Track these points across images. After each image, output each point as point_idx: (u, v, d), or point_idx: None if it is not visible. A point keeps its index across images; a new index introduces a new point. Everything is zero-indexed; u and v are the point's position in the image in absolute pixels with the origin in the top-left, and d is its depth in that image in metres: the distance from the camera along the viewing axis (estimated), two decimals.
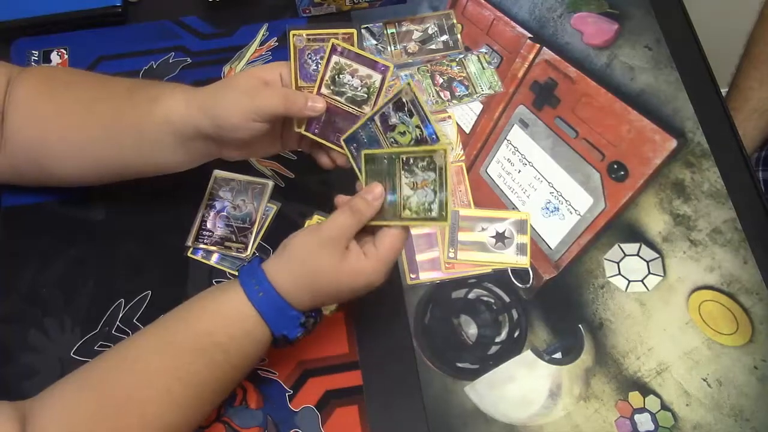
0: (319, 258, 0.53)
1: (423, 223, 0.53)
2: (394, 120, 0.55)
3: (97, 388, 0.52)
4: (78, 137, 0.62)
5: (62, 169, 0.64)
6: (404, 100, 0.55)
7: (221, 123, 0.56)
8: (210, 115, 0.56)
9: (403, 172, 0.54)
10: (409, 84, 0.54)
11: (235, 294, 0.54)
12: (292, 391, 0.62)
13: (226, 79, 0.59)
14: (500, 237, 0.68)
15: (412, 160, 0.53)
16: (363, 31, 0.80)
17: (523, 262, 0.67)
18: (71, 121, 0.62)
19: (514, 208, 0.70)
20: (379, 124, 0.56)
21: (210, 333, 0.54)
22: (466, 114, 0.76)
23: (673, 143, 0.72)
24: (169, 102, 0.58)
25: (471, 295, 0.66)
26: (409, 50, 0.79)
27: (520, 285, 0.67)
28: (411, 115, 0.55)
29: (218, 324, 0.54)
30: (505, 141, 0.74)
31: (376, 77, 0.58)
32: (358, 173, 0.57)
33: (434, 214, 0.52)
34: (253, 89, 0.56)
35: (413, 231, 0.68)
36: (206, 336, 0.54)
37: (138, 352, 0.54)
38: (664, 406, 0.61)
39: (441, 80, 0.77)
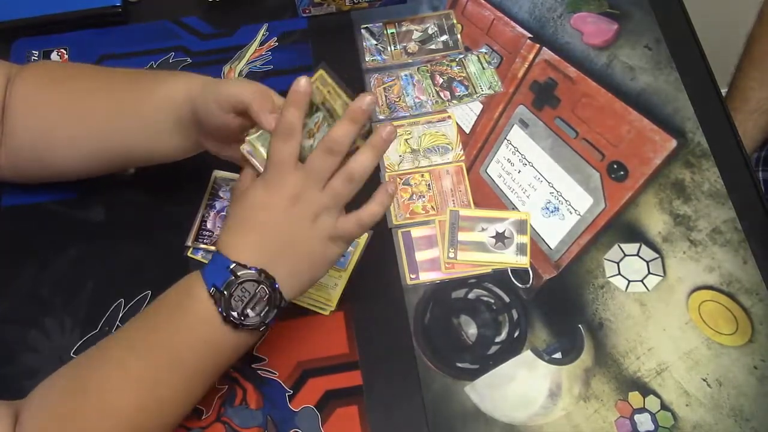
0: (236, 200, 0.55)
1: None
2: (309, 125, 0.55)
3: (69, 374, 0.53)
4: (79, 127, 0.62)
5: (63, 162, 0.64)
6: (315, 103, 0.54)
7: (202, 106, 0.57)
8: (204, 102, 0.57)
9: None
10: (318, 89, 0.54)
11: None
12: (292, 391, 0.62)
13: (215, 79, 0.60)
14: (500, 237, 0.68)
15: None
16: (363, 31, 0.80)
17: (523, 262, 0.67)
18: (72, 111, 0.62)
19: (514, 208, 0.70)
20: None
21: (159, 299, 0.55)
22: (466, 114, 0.76)
23: (673, 143, 0.72)
24: (171, 87, 0.60)
25: (471, 295, 0.66)
26: (409, 50, 0.79)
27: (520, 285, 0.67)
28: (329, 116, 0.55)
29: (169, 291, 0.55)
30: (505, 141, 0.74)
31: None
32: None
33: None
34: (237, 81, 0.59)
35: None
36: (156, 302, 0.55)
37: (103, 341, 0.55)
38: (664, 406, 0.61)
39: (441, 80, 0.77)
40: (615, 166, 0.71)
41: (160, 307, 0.55)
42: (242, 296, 0.52)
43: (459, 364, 0.63)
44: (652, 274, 0.67)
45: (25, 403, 0.52)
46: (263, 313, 0.53)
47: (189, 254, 0.68)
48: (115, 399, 0.51)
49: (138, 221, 0.70)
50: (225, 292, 0.51)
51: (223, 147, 0.62)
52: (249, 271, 0.52)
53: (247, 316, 0.52)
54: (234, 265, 0.52)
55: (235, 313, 0.52)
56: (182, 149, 0.63)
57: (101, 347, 0.55)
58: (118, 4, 0.80)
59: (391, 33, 0.80)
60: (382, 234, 0.69)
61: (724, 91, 0.95)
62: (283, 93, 0.54)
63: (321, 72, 0.56)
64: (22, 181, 0.69)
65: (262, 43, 0.80)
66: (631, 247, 0.68)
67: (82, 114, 0.62)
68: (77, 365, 0.54)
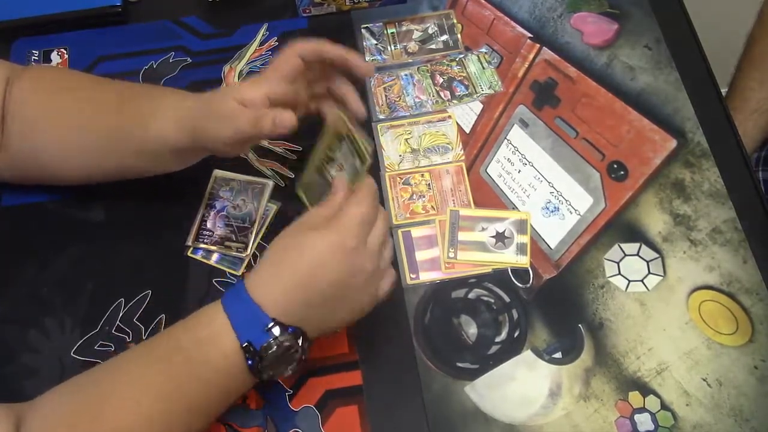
0: (286, 246, 0.53)
1: (353, 179, 0.56)
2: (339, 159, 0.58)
3: (77, 399, 0.52)
4: (79, 141, 0.62)
5: (63, 169, 0.65)
6: (343, 135, 0.58)
7: (207, 146, 0.60)
8: (198, 140, 0.59)
9: (327, 168, 0.59)
10: (341, 118, 0.57)
11: (212, 304, 0.53)
12: (292, 391, 0.62)
13: (209, 100, 0.59)
14: (500, 237, 0.68)
15: (328, 156, 0.58)
16: (363, 30, 0.80)
17: (523, 261, 0.67)
18: (72, 123, 0.62)
19: (514, 207, 0.70)
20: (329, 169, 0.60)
21: (177, 338, 0.52)
22: (466, 114, 0.76)
23: (673, 143, 0.72)
24: (161, 123, 0.59)
25: (471, 295, 0.66)
26: (409, 50, 0.79)
27: (520, 285, 0.67)
28: (352, 149, 0.57)
29: (186, 330, 0.53)
30: (505, 141, 0.74)
31: None
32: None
33: (357, 166, 0.55)
34: (231, 115, 0.57)
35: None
36: (173, 341, 0.52)
37: (120, 360, 0.53)
38: (664, 406, 0.61)
39: (441, 80, 0.77)
40: (615, 166, 0.71)
41: (181, 350, 0.52)
42: (276, 353, 0.51)
43: (459, 364, 0.63)
44: (652, 273, 0.67)
45: (31, 411, 0.51)
46: (288, 369, 0.52)
47: (189, 254, 0.68)
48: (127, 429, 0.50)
49: (138, 221, 0.70)
50: (260, 354, 0.50)
51: (239, 148, 0.63)
52: (287, 335, 0.51)
53: (274, 369, 0.52)
54: (273, 325, 0.50)
55: (264, 367, 0.51)
56: (179, 166, 0.64)
57: (114, 374, 0.53)
58: (118, 4, 0.80)
59: (391, 33, 0.80)
60: None
61: (724, 91, 0.95)
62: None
63: (339, 113, 0.59)
64: (24, 182, 0.69)
65: (262, 43, 0.80)
66: (631, 247, 0.68)
67: (78, 132, 0.62)
68: (93, 383, 0.53)
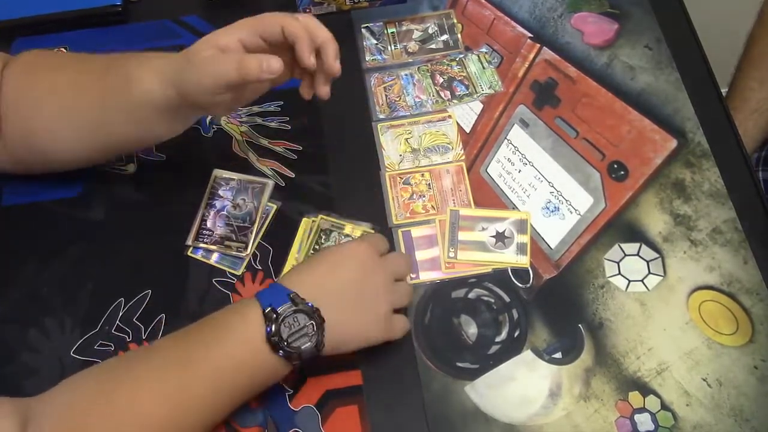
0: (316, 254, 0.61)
1: None
2: None
3: (95, 389, 0.53)
4: (70, 115, 0.63)
5: (56, 151, 0.64)
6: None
7: (193, 100, 0.57)
8: (182, 93, 0.57)
9: None
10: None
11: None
12: (292, 391, 0.62)
13: (188, 51, 0.57)
14: (500, 237, 0.68)
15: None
16: (363, 30, 0.80)
17: (523, 261, 0.67)
18: (63, 100, 0.62)
19: (515, 207, 0.70)
20: None
21: (210, 317, 0.57)
22: (467, 113, 0.75)
23: (673, 143, 0.72)
24: (145, 82, 0.58)
25: (471, 295, 0.66)
26: (409, 50, 0.79)
27: (520, 285, 0.67)
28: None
29: (217, 314, 0.57)
30: (506, 140, 0.74)
31: None
32: None
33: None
34: (210, 60, 0.55)
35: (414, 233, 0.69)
36: (203, 321, 0.56)
37: (140, 349, 0.57)
38: (664, 406, 0.61)
39: (441, 80, 0.77)
40: (615, 166, 0.71)
41: (205, 326, 0.56)
42: (292, 324, 0.54)
43: (459, 364, 0.63)
44: (652, 273, 0.67)
45: (41, 403, 0.51)
46: (303, 346, 0.54)
47: (189, 253, 0.68)
48: (144, 412, 0.52)
49: (138, 220, 0.70)
50: (279, 314, 0.54)
51: (222, 109, 0.63)
52: (305, 306, 0.54)
53: (288, 343, 0.54)
54: (293, 293, 0.55)
55: (280, 336, 0.53)
56: (174, 130, 0.63)
57: (134, 358, 0.56)
58: (118, 3, 0.80)
59: (392, 32, 0.80)
60: (382, 233, 0.69)
61: (724, 91, 0.95)
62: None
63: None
64: (25, 173, 0.69)
65: None
66: (631, 247, 0.68)
67: (68, 106, 0.62)
68: (107, 371, 0.54)
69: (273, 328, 0.53)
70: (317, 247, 0.68)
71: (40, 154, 0.65)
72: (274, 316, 0.53)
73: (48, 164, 0.67)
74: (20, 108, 0.63)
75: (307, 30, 0.57)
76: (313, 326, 0.54)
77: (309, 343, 0.54)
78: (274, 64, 0.54)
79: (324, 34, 0.58)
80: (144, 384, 0.52)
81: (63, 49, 0.78)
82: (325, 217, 0.69)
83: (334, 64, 0.58)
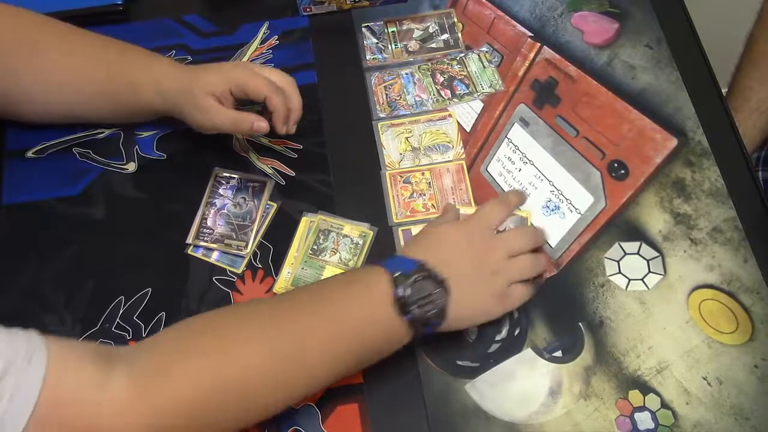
0: (423, 233, 0.63)
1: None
2: None
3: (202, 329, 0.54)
4: (60, 96, 0.68)
5: (29, 110, 0.69)
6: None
7: (191, 126, 0.68)
8: (181, 117, 0.67)
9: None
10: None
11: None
12: None
13: (190, 85, 0.65)
14: None
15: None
16: (364, 29, 0.81)
17: None
18: (60, 77, 0.67)
19: None
20: None
21: (332, 279, 0.60)
22: (467, 113, 0.76)
23: (673, 142, 0.72)
24: (149, 94, 0.67)
25: None
26: (409, 49, 0.79)
27: None
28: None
29: (341, 277, 0.60)
30: (506, 139, 0.74)
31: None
32: None
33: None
34: (209, 109, 0.65)
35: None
36: (326, 281, 0.60)
37: (253, 304, 0.59)
38: (664, 405, 0.61)
39: (442, 79, 0.77)
40: (616, 165, 0.71)
41: (333, 282, 0.58)
42: (420, 290, 0.55)
43: (459, 362, 0.63)
44: (652, 272, 0.67)
45: (132, 348, 0.53)
46: (429, 312, 0.55)
47: (189, 252, 0.68)
48: (252, 352, 0.52)
49: (138, 219, 0.70)
50: (409, 276, 0.55)
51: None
52: (434, 274, 0.56)
53: (416, 307, 0.55)
54: (421, 261, 0.57)
55: (409, 298, 0.55)
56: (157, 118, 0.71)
57: (248, 311, 0.56)
58: (120, 3, 0.80)
59: (392, 31, 0.81)
60: (382, 232, 0.69)
61: (724, 90, 0.95)
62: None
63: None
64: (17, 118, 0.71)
65: (263, 42, 0.80)
66: (631, 246, 0.68)
67: (69, 86, 0.67)
68: (218, 318, 0.55)
69: (402, 291, 0.55)
70: (315, 247, 0.68)
71: (12, 109, 0.69)
72: (404, 279, 0.55)
73: (7, 114, 0.70)
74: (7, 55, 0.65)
75: (285, 99, 0.66)
76: (441, 293, 0.56)
77: (435, 310, 0.55)
78: (263, 127, 0.65)
79: (296, 104, 0.67)
80: (260, 327, 0.53)
81: None
82: (324, 217, 0.69)
83: (291, 129, 0.68)
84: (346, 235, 0.68)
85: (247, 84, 0.65)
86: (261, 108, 0.68)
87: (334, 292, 0.57)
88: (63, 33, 0.68)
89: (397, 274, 0.55)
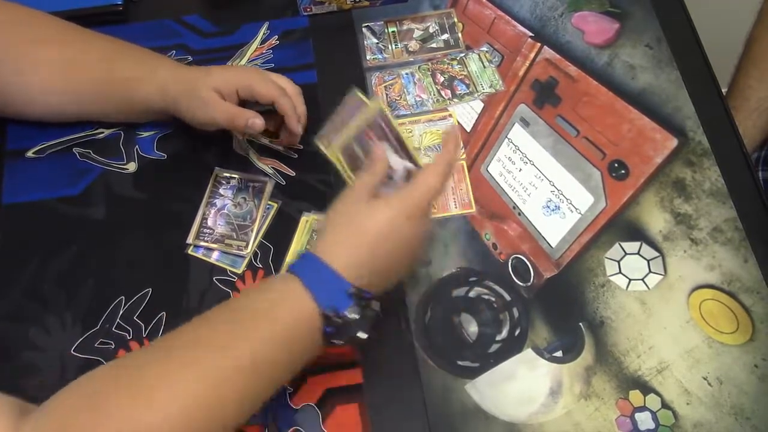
0: (346, 210, 0.54)
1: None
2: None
3: (119, 371, 0.49)
4: (58, 95, 0.68)
5: (32, 111, 0.70)
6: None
7: (187, 120, 0.68)
8: (177, 113, 0.67)
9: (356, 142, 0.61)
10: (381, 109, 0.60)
11: (284, 274, 0.54)
12: (292, 389, 0.62)
13: (194, 83, 0.65)
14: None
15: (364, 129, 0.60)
16: (364, 29, 0.81)
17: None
18: (55, 79, 0.67)
19: (515, 206, 0.70)
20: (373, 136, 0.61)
21: (252, 299, 0.52)
22: (467, 113, 0.76)
23: (673, 142, 0.72)
24: (148, 90, 0.67)
25: (472, 294, 0.66)
26: (410, 49, 0.79)
27: (520, 283, 0.67)
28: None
29: (260, 290, 0.54)
30: (506, 139, 0.74)
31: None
32: (348, 175, 0.61)
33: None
34: (210, 101, 0.65)
35: None
36: (245, 300, 0.53)
37: (175, 331, 0.51)
38: (665, 405, 0.61)
39: (442, 79, 0.77)
40: (616, 165, 0.71)
41: (252, 310, 0.51)
42: (350, 323, 0.51)
43: (460, 363, 0.63)
44: (652, 272, 0.67)
45: (40, 408, 0.47)
46: (359, 334, 0.52)
47: (189, 252, 0.68)
48: (172, 395, 0.46)
49: (139, 219, 0.70)
50: (343, 318, 0.51)
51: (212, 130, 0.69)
52: (371, 307, 0.52)
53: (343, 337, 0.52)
54: (354, 289, 0.51)
55: (337, 335, 0.51)
56: (157, 119, 0.72)
57: (171, 339, 0.50)
58: (120, 3, 0.80)
59: (392, 31, 0.81)
60: None
61: (724, 90, 0.95)
62: None
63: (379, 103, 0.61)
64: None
65: (263, 42, 0.80)
66: (631, 246, 0.68)
67: (65, 84, 0.67)
68: (132, 363, 0.50)
69: (332, 331, 0.51)
70: (309, 247, 0.68)
71: (11, 109, 0.69)
72: (336, 318, 0.50)
73: (7, 113, 0.70)
74: (7, 66, 0.65)
75: (294, 105, 0.67)
76: (376, 315, 0.53)
77: (363, 334, 0.52)
78: (257, 124, 0.65)
79: (302, 112, 0.69)
80: (173, 368, 0.48)
81: None
82: (316, 217, 0.69)
83: (299, 132, 0.69)
84: None
85: (257, 86, 0.65)
86: (262, 110, 0.67)
87: (256, 322, 0.50)
88: (62, 30, 0.69)
89: (328, 312, 0.50)
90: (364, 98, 0.61)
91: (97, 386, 0.48)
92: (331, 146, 0.60)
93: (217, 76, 0.65)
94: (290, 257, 0.67)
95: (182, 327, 0.51)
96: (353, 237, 0.53)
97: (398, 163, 0.59)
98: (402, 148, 0.60)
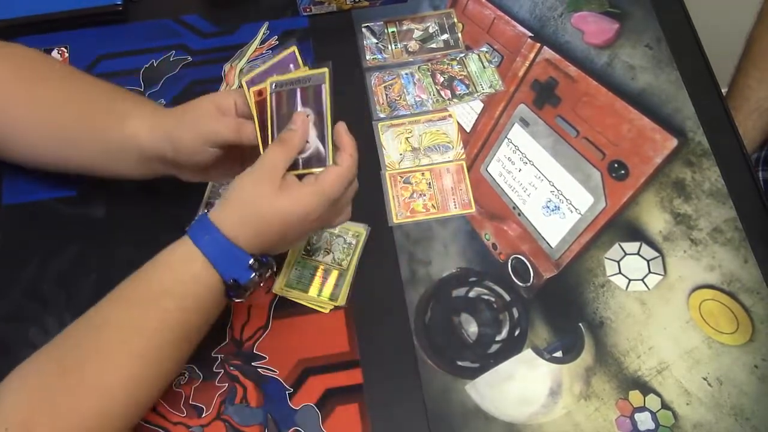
0: (257, 192, 0.54)
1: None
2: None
3: (55, 355, 0.53)
4: (42, 133, 0.63)
5: (18, 154, 0.65)
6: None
7: (180, 147, 0.59)
8: (171, 139, 0.59)
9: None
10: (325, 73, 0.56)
11: (183, 243, 0.55)
12: (292, 390, 0.62)
13: (187, 104, 0.60)
14: None
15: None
16: (364, 29, 0.81)
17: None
18: (39, 117, 0.63)
19: (515, 206, 0.70)
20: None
21: (160, 281, 0.55)
22: (467, 113, 0.76)
23: (673, 142, 0.72)
24: (137, 123, 0.60)
25: (471, 294, 0.66)
26: (409, 49, 0.79)
27: (520, 284, 0.67)
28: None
29: (168, 272, 0.55)
30: (506, 140, 0.74)
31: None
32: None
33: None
34: (209, 115, 0.58)
35: None
36: (156, 285, 0.55)
37: (96, 313, 0.55)
38: (665, 405, 0.61)
39: (442, 79, 0.77)
40: (616, 165, 0.71)
41: (166, 292, 0.55)
42: (255, 282, 0.56)
43: (459, 363, 0.63)
44: (652, 273, 0.67)
45: (3, 383, 0.51)
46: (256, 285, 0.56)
47: None
48: (114, 376, 0.52)
49: (138, 220, 0.70)
50: (244, 287, 0.55)
51: (197, 174, 0.63)
52: (263, 266, 0.55)
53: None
54: (253, 261, 0.54)
55: (238, 295, 0.56)
56: (140, 175, 0.64)
57: (93, 325, 0.54)
58: (119, 3, 0.80)
59: (392, 32, 0.80)
60: (382, 232, 0.69)
61: (724, 90, 0.95)
62: None
63: (326, 71, 0.57)
64: None
65: (262, 42, 0.80)
66: (631, 246, 0.68)
67: (48, 123, 0.63)
68: (65, 344, 0.53)
69: (235, 294, 0.56)
70: (309, 247, 0.67)
71: (7, 153, 0.65)
72: (238, 287, 0.55)
73: (7, 158, 0.67)
74: None
75: None
76: (267, 267, 0.56)
77: (261, 283, 0.56)
78: None
79: None
80: (115, 346, 0.53)
81: (63, 48, 0.78)
82: None
83: None
84: (338, 235, 0.68)
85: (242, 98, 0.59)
86: None
87: (169, 299, 0.55)
88: (51, 70, 0.66)
89: (231, 281, 0.54)
90: (299, 60, 0.58)
91: (39, 383, 0.51)
92: (242, 75, 0.57)
93: (213, 96, 0.60)
94: (289, 257, 0.67)
95: (100, 307, 0.55)
96: (257, 224, 0.54)
97: (313, 141, 0.56)
98: (322, 130, 0.56)
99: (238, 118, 0.59)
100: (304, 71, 0.57)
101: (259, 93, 0.57)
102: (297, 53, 0.58)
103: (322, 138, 0.56)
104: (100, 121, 0.62)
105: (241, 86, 0.59)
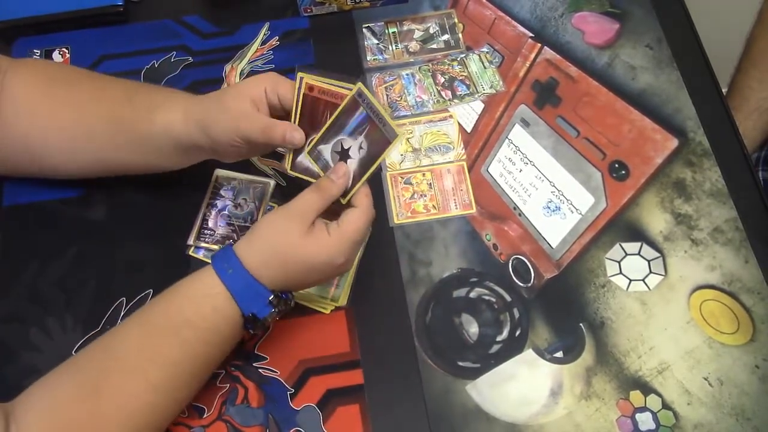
0: (285, 234, 0.55)
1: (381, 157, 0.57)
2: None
3: (77, 378, 0.53)
4: (74, 137, 0.63)
5: (56, 163, 0.65)
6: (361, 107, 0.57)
7: (214, 141, 0.59)
8: (205, 132, 0.58)
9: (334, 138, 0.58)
10: (360, 89, 0.57)
11: (206, 274, 0.56)
12: (293, 390, 0.62)
13: (219, 95, 0.59)
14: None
15: (339, 123, 0.58)
16: (364, 30, 0.81)
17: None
18: (67, 120, 0.62)
19: (516, 207, 0.70)
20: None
21: (180, 311, 0.55)
22: (468, 113, 0.76)
23: (674, 142, 0.72)
24: (169, 114, 0.60)
25: (472, 294, 0.66)
26: (410, 49, 0.79)
27: (521, 284, 0.67)
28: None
29: (189, 303, 0.55)
30: (507, 140, 0.74)
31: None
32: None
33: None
34: (240, 114, 0.57)
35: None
36: (177, 315, 0.55)
37: (115, 338, 0.55)
38: (665, 405, 0.61)
39: (442, 79, 0.77)
40: (616, 165, 0.71)
41: (187, 323, 0.55)
42: (273, 318, 0.57)
43: (460, 363, 0.63)
44: (653, 273, 0.67)
45: (20, 404, 0.51)
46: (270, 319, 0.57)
47: (190, 253, 0.68)
48: (132, 404, 0.53)
49: (139, 220, 0.70)
50: (261, 320, 0.56)
51: (238, 157, 0.64)
52: (282, 303, 0.57)
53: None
54: (273, 298, 0.56)
55: (257, 329, 0.57)
56: (179, 164, 0.64)
57: (113, 350, 0.55)
58: (120, 3, 0.80)
59: (393, 32, 0.81)
60: (383, 233, 0.69)
61: (724, 90, 0.95)
62: None
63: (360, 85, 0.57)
64: (16, 175, 0.69)
65: (263, 42, 0.80)
66: (632, 246, 0.68)
67: (77, 125, 0.62)
68: (85, 367, 0.54)
69: (253, 327, 0.56)
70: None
71: (37, 165, 0.65)
72: (256, 322, 0.56)
73: (47, 175, 0.67)
74: (22, 114, 0.62)
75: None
76: (285, 303, 0.57)
77: (277, 310, 0.57)
78: (296, 137, 0.58)
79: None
80: (128, 378, 0.53)
81: (65, 49, 0.79)
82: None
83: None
84: None
85: (281, 84, 0.59)
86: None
87: (189, 331, 0.55)
88: (76, 75, 0.66)
89: (250, 315, 0.55)
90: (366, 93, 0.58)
91: (60, 401, 0.52)
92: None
93: (243, 85, 0.59)
94: None
95: (120, 331, 0.56)
96: (282, 264, 0.55)
97: (327, 155, 0.58)
98: (355, 166, 0.57)
99: (268, 120, 0.58)
100: (385, 111, 0.57)
101: (310, 88, 0.58)
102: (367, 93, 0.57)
103: (335, 156, 0.58)
104: (127, 115, 0.61)
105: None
